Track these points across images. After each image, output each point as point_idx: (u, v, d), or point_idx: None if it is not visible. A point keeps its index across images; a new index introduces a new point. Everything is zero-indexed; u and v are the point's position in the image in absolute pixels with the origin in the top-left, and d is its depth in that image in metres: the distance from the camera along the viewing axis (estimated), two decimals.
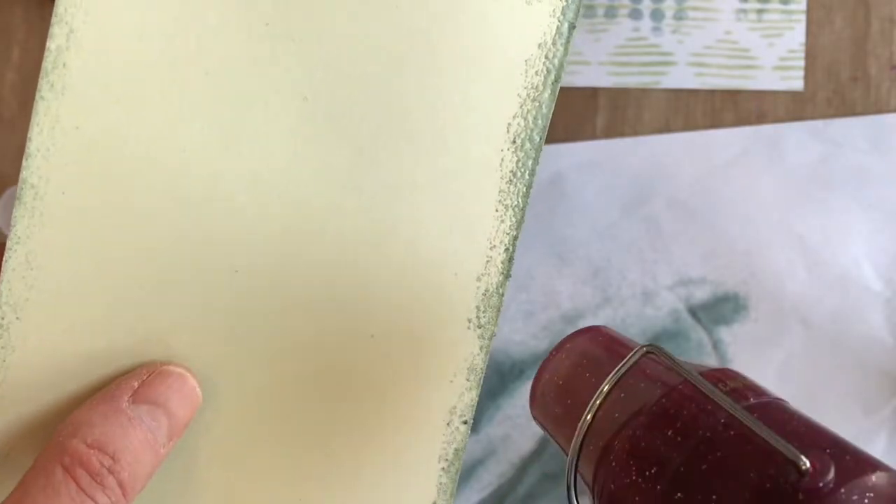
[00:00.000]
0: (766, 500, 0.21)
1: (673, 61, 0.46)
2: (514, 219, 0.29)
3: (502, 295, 0.29)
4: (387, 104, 0.28)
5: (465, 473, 0.46)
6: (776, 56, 0.46)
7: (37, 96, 0.27)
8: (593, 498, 0.25)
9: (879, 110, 0.46)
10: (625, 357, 0.26)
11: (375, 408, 0.30)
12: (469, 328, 0.30)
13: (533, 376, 0.46)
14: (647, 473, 0.23)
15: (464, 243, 0.29)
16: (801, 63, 0.46)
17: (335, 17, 0.28)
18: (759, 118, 0.46)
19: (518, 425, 0.46)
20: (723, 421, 0.23)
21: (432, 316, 0.29)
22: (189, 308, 0.29)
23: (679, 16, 0.46)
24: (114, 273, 0.28)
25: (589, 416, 0.25)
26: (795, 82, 0.46)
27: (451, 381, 0.30)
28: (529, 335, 0.46)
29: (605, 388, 0.25)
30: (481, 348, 0.30)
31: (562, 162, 0.46)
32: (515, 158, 0.29)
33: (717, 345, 0.46)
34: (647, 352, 0.26)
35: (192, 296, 0.29)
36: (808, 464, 0.21)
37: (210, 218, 0.28)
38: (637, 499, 0.23)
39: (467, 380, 0.30)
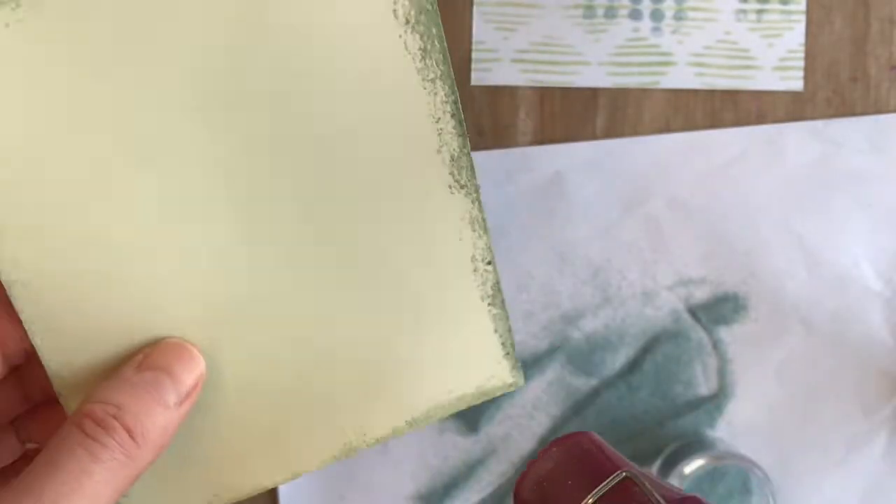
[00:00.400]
0: None
1: (673, 61, 0.46)
2: (445, 87, 0.30)
3: (468, 154, 0.31)
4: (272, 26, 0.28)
5: (465, 473, 0.46)
6: (776, 56, 0.46)
7: None
8: None
9: (879, 110, 0.46)
10: (605, 470, 0.29)
11: (405, 279, 0.32)
12: (453, 192, 0.31)
13: (532, 375, 0.46)
14: None
15: (410, 127, 0.30)
16: (801, 63, 0.46)
17: None
18: (759, 118, 0.46)
19: (518, 425, 0.46)
20: None
21: (417, 194, 0.31)
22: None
23: (679, 16, 0.46)
24: None
25: None
26: (795, 82, 0.46)
27: (461, 239, 0.32)
28: (529, 335, 0.46)
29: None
30: (473, 202, 0.32)
31: (562, 162, 0.46)
32: (417, 35, 0.29)
33: (716, 345, 0.46)
34: (626, 477, 0.28)
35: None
36: None
37: None
38: None
39: (473, 230, 0.32)
